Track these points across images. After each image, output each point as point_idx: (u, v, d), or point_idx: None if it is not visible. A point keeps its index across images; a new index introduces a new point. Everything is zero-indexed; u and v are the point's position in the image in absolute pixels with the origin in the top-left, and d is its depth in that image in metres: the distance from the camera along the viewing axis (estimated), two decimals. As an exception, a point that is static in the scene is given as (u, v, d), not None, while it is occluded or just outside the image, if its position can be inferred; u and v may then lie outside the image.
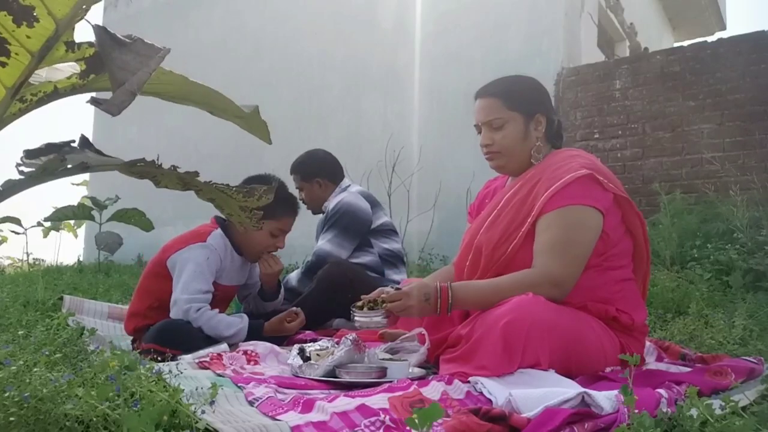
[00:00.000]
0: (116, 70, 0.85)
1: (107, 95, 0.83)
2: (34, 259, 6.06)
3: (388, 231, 2.89)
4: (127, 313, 2.26)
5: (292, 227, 2.31)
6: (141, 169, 1.02)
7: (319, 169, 2.93)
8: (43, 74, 1.02)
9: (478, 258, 1.73)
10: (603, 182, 1.61)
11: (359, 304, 1.67)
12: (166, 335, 1.93)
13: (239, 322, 2.07)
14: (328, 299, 2.52)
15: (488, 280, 1.62)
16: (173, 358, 1.79)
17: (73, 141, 1.09)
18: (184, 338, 1.93)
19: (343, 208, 2.78)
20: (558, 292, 1.53)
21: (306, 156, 2.99)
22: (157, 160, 1.01)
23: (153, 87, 1.07)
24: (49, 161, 0.96)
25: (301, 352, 1.69)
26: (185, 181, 1.07)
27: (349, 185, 2.95)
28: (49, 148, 1.06)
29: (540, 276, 1.54)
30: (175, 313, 2.03)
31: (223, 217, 2.22)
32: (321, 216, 2.98)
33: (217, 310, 2.08)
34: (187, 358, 1.73)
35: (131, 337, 2.23)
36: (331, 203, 2.85)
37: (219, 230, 2.22)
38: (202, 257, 2.09)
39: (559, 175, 1.62)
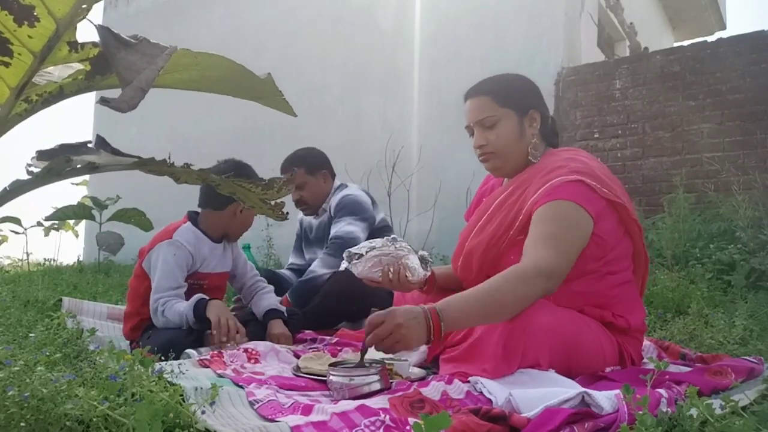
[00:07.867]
0: (123, 70, 0.85)
1: (113, 93, 0.83)
2: (44, 258, 6.08)
3: (386, 227, 2.91)
4: (124, 317, 2.26)
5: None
6: (154, 167, 1.02)
7: (324, 162, 2.92)
8: (55, 72, 1.02)
9: (469, 261, 1.73)
10: (596, 187, 1.54)
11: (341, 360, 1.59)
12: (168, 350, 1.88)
13: (186, 308, 2.03)
14: (335, 310, 2.53)
15: (475, 287, 1.44)
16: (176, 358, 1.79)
17: (90, 141, 1.09)
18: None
19: (351, 200, 2.78)
20: (551, 285, 1.45)
21: (306, 150, 2.96)
22: (169, 158, 1.02)
23: (170, 76, 1.06)
24: (56, 162, 0.96)
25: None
26: (203, 176, 1.07)
27: (346, 185, 2.94)
28: (62, 149, 1.05)
29: (532, 269, 1.43)
30: (152, 315, 2.07)
31: (196, 210, 2.26)
32: (311, 222, 2.95)
33: (175, 300, 2.06)
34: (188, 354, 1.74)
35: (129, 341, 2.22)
36: (332, 202, 2.83)
37: (187, 224, 2.24)
38: (170, 254, 2.12)
39: (548, 180, 1.58)
